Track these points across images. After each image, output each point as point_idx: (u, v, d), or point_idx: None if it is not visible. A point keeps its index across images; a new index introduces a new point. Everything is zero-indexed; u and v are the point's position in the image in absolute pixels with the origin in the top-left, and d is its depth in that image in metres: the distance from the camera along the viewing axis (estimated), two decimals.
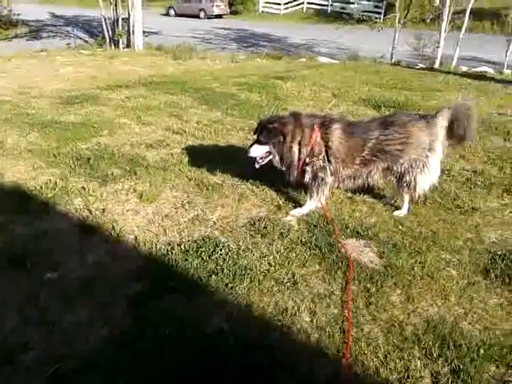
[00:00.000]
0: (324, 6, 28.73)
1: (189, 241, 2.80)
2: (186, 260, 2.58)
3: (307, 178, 3.16)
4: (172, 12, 30.07)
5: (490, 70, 10.56)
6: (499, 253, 2.75)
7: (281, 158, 3.14)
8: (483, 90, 7.55)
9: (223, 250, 2.68)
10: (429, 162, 3.05)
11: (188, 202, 3.35)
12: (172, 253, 2.66)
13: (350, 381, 1.88)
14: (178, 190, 3.55)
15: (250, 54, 13.49)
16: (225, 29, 21.93)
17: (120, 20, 13.28)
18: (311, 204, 3.21)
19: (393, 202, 3.36)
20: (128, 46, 13.38)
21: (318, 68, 9.98)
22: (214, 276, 2.45)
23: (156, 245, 2.78)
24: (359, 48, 12.72)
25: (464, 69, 10.72)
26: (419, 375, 1.89)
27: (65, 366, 1.89)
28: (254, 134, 3.29)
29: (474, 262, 2.69)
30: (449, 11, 11.56)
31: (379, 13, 22.79)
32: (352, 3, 26.11)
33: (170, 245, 2.77)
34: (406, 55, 12.56)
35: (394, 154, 3.06)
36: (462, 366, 1.91)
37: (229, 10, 30.32)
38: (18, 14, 18.91)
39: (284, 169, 3.20)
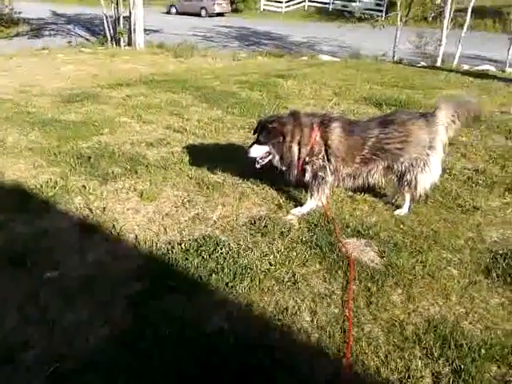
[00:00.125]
0: (326, 4, 28.76)
1: (189, 240, 2.80)
2: (187, 259, 2.58)
3: (307, 177, 3.16)
4: (173, 10, 30.11)
5: (492, 68, 10.53)
6: (501, 252, 2.74)
7: (281, 157, 3.14)
8: (485, 88, 7.50)
9: (224, 249, 2.68)
10: (429, 161, 3.03)
11: (188, 201, 3.35)
12: (172, 252, 2.65)
13: (350, 381, 1.88)
14: (178, 188, 3.55)
15: (251, 52, 13.49)
16: (226, 27, 21.92)
17: (121, 18, 13.28)
18: (312, 203, 3.20)
19: (394, 201, 3.35)
20: (129, 44, 13.39)
21: (320, 66, 9.95)
22: (214, 275, 2.44)
23: (156, 244, 2.77)
24: (361, 46, 12.72)
25: (466, 67, 10.70)
26: (420, 375, 1.88)
27: (65, 365, 1.89)
28: (254, 133, 3.28)
29: (476, 261, 2.67)
30: (450, 9, 11.55)
31: (381, 11, 22.80)
32: (354, 1, 26.02)
33: (170, 244, 2.76)
34: (407, 53, 12.54)
35: (394, 153, 3.05)
36: (463, 366, 1.90)
37: (230, 8, 30.35)
38: (20, 12, 18.95)
39: (284, 168, 3.19)
